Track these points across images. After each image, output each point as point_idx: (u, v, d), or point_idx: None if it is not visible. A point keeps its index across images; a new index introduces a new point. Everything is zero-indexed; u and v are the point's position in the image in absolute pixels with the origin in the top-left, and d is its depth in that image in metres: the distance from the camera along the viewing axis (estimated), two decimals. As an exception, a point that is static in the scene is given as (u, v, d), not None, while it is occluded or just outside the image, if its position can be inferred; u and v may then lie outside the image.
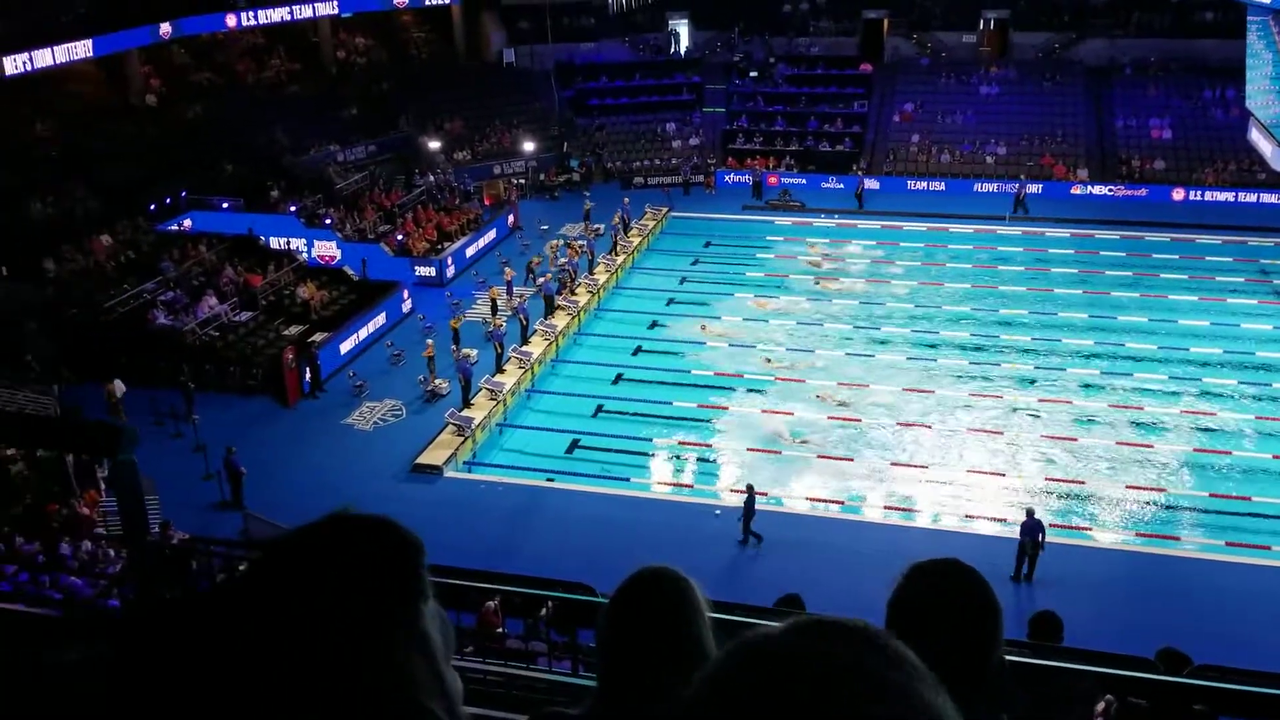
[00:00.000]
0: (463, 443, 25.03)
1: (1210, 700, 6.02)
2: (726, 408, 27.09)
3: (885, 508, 23.07)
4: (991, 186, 43.07)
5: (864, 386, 28.14)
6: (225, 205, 36.99)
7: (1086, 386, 27.99)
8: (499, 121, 47.39)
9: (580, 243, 36.79)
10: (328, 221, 36.88)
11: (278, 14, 43.65)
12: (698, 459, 25.09)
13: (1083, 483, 23.70)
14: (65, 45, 35.11)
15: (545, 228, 39.36)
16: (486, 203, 43.31)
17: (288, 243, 35.51)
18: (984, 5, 51.06)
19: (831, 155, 46.25)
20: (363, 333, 30.84)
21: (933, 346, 30.54)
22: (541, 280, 33.97)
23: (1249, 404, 27.00)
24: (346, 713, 1.09)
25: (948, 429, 25.98)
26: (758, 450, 25.11)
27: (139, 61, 41.26)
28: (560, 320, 31.48)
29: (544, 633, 12.78)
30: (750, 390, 28.05)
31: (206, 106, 41.90)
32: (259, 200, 37.45)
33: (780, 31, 52.35)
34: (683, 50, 53.75)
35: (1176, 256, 36.79)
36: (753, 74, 50.26)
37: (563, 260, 35.33)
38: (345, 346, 29.87)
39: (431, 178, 42.34)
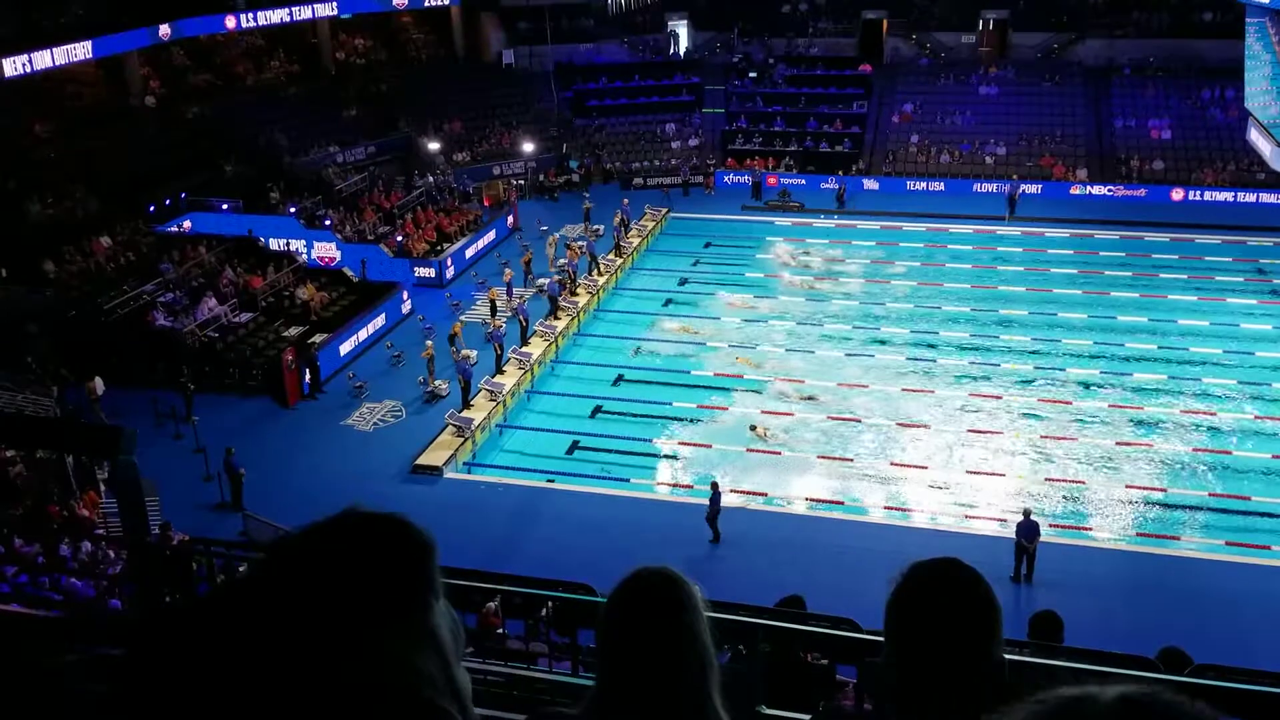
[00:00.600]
0: (463, 444, 25.04)
1: (1210, 699, 6.02)
2: (726, 408, 27.08)
3: (885, 508, 23.07)
4: (991, 187, 43.07)
5: (863, 386, 28.14)
6: (225, 207, 37.00)
7: (1086, 386, 28.00)
8: (498, 122, 47.40)
9: (580, 243, 36.79)
10: (327, 223, 36.88)
11: (277, 15, 43.66)
12: (698, 459, 25.05)
13: (1082, 482, 23.70)
14: (65, 47, 35.13)
15: (545, 229, 39.37)
16: (486, 204, 43.31)
17: (287, 244, 35.51)
18: (983, 6, 51.05)
19: (831, 156, 46.25)
20: (362, 334, 30.84)
21: (932, 347, 30.54)
22: (542, 281, 34.00)
23: (1248, 404, 27.00)
24: (360, 711, 1.09)
25: (947, 429, 25.98)
26: (757, 450, 25.11)
27: (138, 63, 41.27)
28: (559, 321, 31.47)
29: (544, 633, 12.79)
30: (749, 390, 28.03)
31: (206, 108, 41.93)
32: (259, 202, 37.45)
33: (780, 32, 52.35)
34: (682, 51, 53.74)
35: (1176, 256, 36.79)
36: (752, 75, 50.25)
37: (562, 261, 35.33)
38: (345, 348, 29.88)
39: (431, 179, 42.34)
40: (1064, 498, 23.23)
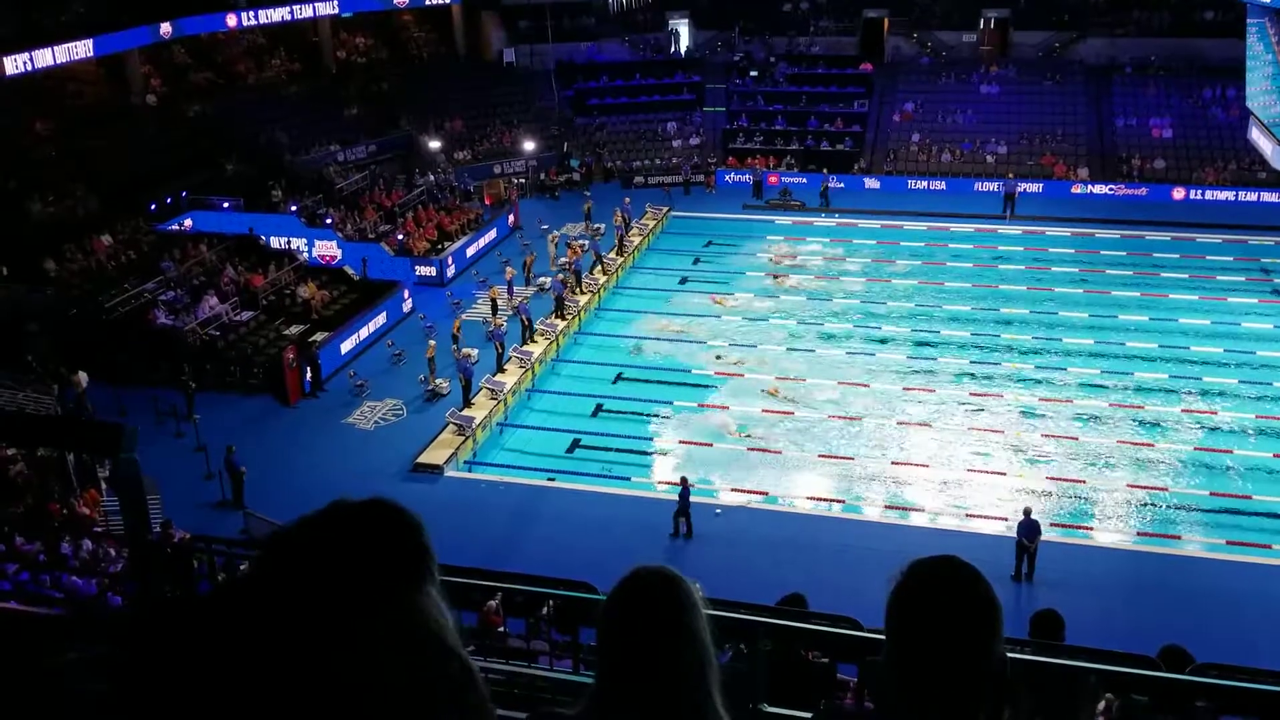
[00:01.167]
0: (463, 442, 25.05)
1: (1212, 698, 6.02)
2: (727, 407, 27.08)
3: (886, 506, 23.08)
4: (992, 186, 43.03)
5: (864, 386, 28.15)
6: (226, 205, 37.01)
7: (1087, 385, 27.99)
8: (499, 121, 47.41)
9: (581, 242, 36.80)
10: (328, 221, 36.89)
11: (278, 14, 43.66)
12: (698, 458, 25.04)
13: (1083, 482, 23.70)
14: (66, 45, 35.14)
15: (545, 227, 39.40)
16: (487, 202, 43.30)
17: (288, 242, 35.52)
18: (984, 4, 51.02)
19: (832, 155, 46.25)
20: (363, 332, 30.85)
21: (933, 345, 30.54)
22: (544, 280, 34.04)
23: (1250, 403, 27.00)
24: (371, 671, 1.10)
25: (948, 428, 25.98)
26: (758, 450, 25.12)
27: (139, 61, 41.28)
28: (560, 320, 31.48)
29: (545, 631, 12.79)
30: (749, 390, 28.02)
31: (207, 106, 41.96)
32: (260, 200, 37.46)
33: (781, 31, 52.33)
34: (683, 50, 53.74)
35: (1177, 255, 36.78)
36: (753, 73, 50.25)
37: (563, 260, 35.35)
38: (346, 346, 29.89)
39: (432, 177, 42.34)
40: (1065, 497, 23.23)
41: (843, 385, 28.22)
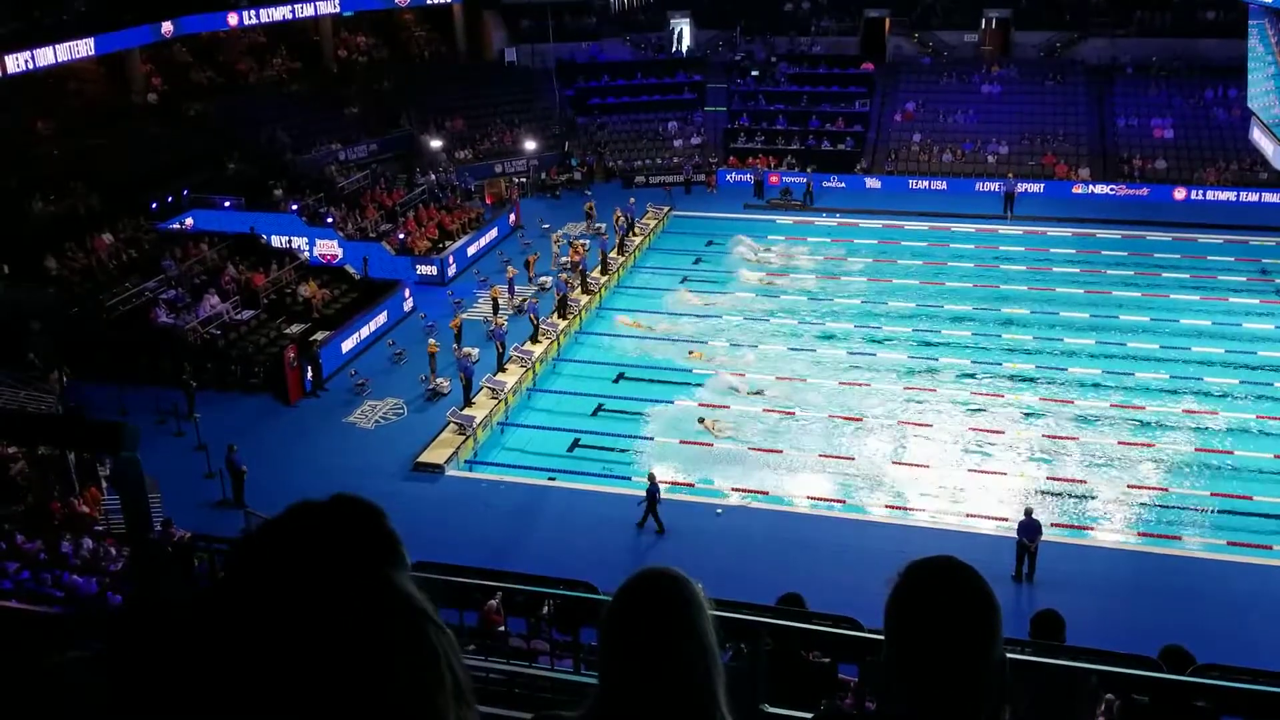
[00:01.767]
0: (464, 441, 25.05)
1: (1212, 699, 6.02)
2: (727, 407, 27.06)
3: (886, 506, 23.07)
4: (993, 186, 43.00)
5: (865, 385, 28.14)
6: (227, 204, 37.00)
7: (1088, 386, 27.98)
8: (500, 120, 47.41)
9: (582, 241, 36.82)
10: (329, 220, 36.88)
11: (279, 13, 43.68)
12: (699, 457, 25.03)
13: (1084, 482, 23.70)
14: (67, 44, 35.17)
15: (547, 226, 39.40)
16: (488, 201, 43.29)
17: (289, 241, 35.50)
18: (985, 4, 51.00)
19: (833, 154, 46.25)
20: (364, 331, 30.86)
21: (934, 346, 30.53)
22: (545, 279, 34.06)
23: (1250, 403, 26.99)
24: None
25: (949, 428, 25.97)
26: (759, 450, 25.12)
27: (140, 60, 41.31)
28: (561, 320, 31.49)
29: (546, 631, 12.80)
30: (748, 390, 28.01)
31: (208, 105, 41.95)
32: (261, 199, 37.44)
33: (782, 31, 52.33)
34: (684, 49, 53.72)
35: (1178, 256, 36.75)
36: (754, 73, 50.23)
37: (564, 259, 35.34)
38: (347, 345, 29.89)
39: (433, 176, 42.36)
40: (1066, 497, 23.22)
41: (843, 385, 28.21)
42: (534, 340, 30.10)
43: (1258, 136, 36.93)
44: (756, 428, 26.12)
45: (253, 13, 43.01)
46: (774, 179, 44.31)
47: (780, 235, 40.07)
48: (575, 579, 14.01)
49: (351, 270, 33.94)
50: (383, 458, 24.64)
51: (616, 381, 28.95)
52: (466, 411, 26.09)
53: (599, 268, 35.27)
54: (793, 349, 30.55)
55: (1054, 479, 23.80)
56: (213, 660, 1.14)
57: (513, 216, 41.08)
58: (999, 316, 32.41)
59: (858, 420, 26.38)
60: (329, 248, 35.92)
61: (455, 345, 28.83)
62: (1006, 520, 21.52)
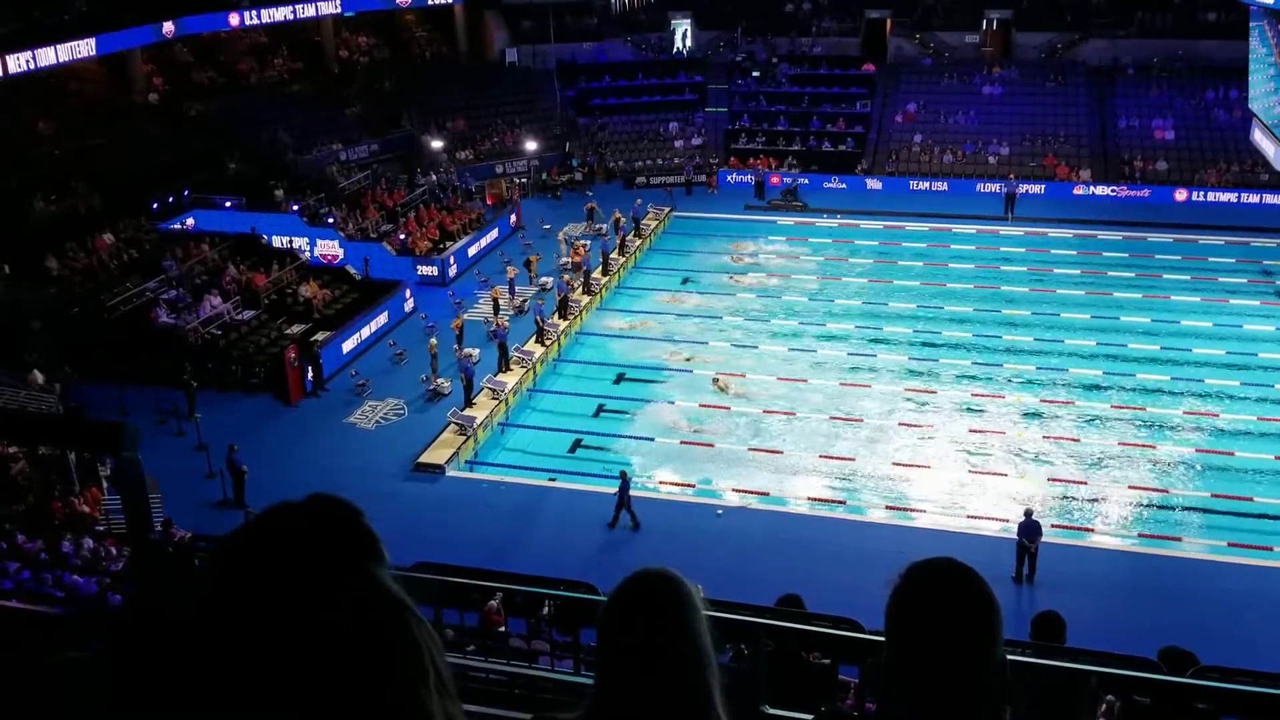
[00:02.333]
0: (465, 442, 25.05)
1: (1213, 701, 6.02)
2: (728, 408, 27.07)
3: (886, 507, 23.06)
4: (994, 187, 43.00)
5: (866, 387, 28.14)
6: (228, 204, 37.01)
7: (1089, 387, 27.97)
8: (501, 121, 47.41)
9: (583, 242, 36.83)
10: (330, 220, 36.90)
11: (280, 13, 43.71)
12: (699, 458, 25.03)
13: (1085, 483, 23.69)
14: (68, 44, 35.18)
15: (548, 227, 39.40)
16: (489, 202, 43.30)
17: (290, 241, 35.50)
18: (986, 5, 51.01)
19: (834, 155, 46.25)
20: (365, 332, 30.86)
21: (935, 347, 30.52)
22: (546, 279, 34.07)
23: (1251, 405, 26.97)
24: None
25: (949, 429, 25.96)
26: (760, 450, 25.12)
27: (142, 60, 41.32)
28: (562, 320, 31.50)
29: (546, 631, 12.80)
30: (750, 390, 28.02)
31: (209, 105, 41.96)
32: (262, 199, 37.46)
33: (783, 31, 52.34)
34: (685, 50, 53.73)
35: (1179, 257, 36.74)
36: (755, 74, 50.24)
37: (564, 260, 35.31)
38: (347, 345, 29.90)
39: (434, 177, 42.36)
40: (1066, 498, 23.21)
41: (844, 386, 28.21)
42: (539, 341, 30.10)
43: (1259, 138, 36.91)
44: (757, 429, 26.11)
45: (254, 13, 43.04)
46: (774, 180, 44.32)
47: (781, 236, 40.07)
48: (575, 579, 14.03)
49: (352, 271, 33.95)
50: (383, 458, 24.64)
51: (617, 382, 28.94)
52: (467, 412, 26.09)
53: (600, 268, 35.27)
54: (792, 349, 30.54)
55: (1054, 480, 23.80)
56: (201, 657, 1.15)
57: (513, 217, 41.08)
58: (1000, 318, 32.41)
59: (858, 421, 26.37)
60: (330, 248, 35.93)
61: (456, 346, 28.83)
62: (1007, 521, 21.52)
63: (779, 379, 28.63)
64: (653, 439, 25.78)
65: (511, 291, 33.13)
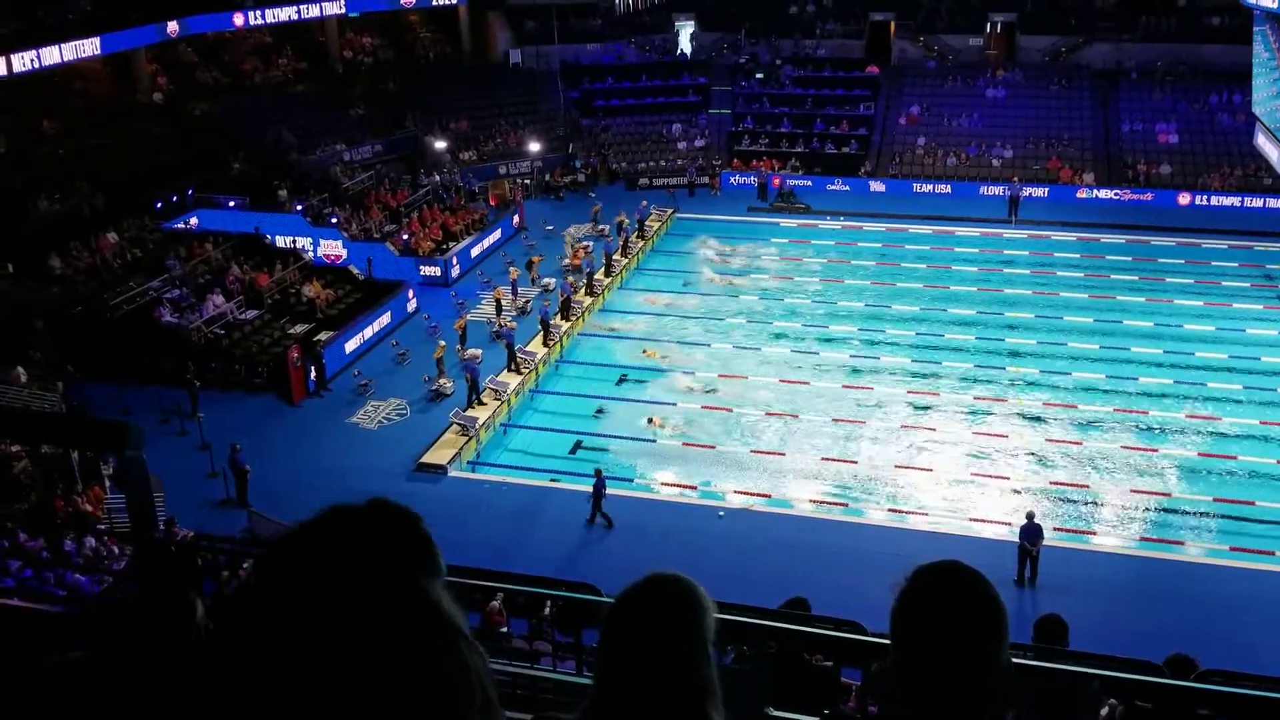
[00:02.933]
0: (467, 442, 25.07)
1: (1216, 705, 6.01)
2: (729, 410, 27.05)
3: (888, 510, 23.04)
4: (998, 190, 42.98)
5: (868, 389, 28.12)
6: (232, 204, 37.04)
7: (1091, 390, 27.94)
8: (505, 122, 47.43)
9: (585, 243, 36.81)
10: (334, 220, 36.92)
11: (285, 13, 43.75)
12: (699, 458, 25.02)
13: (1087, 486, 23.67)
14: (73, 43, 35.22)
15: (550, 228, 39.40)
16: (492, 203, 43.32)
17: (294, 241, 35.53)
18: (991, 8, 51.01)
19: (838, 157, 46.24)
20: (368, 332, 30.88)
21: (937, 349, 30.50)
22: (548, 280, 34.07)
23: (1254, 409, 26.93)
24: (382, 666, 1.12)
25: (951, 431, 25.94)
26: (762, 453, 25.11)
27: (146, 60, 41.36)
28: (565, 321, 31.50)
29: (548, 632, 12.80)
30: (749, 390, 28.00)
31: (213, 105, 42.00)
32: (265, 199, 37.49)
33: (786, 33, 52.33)
34: (689, 52, 53.73)
35: (1182, 261, 36.71)
36: (759, 75, 50.25)
37: (566, 261, 35.27)
38: (350, 345, 29.91)
39: (437, 177, 42.38)
40: (1068, 501, 23.19)
41: (847, 388, 28.20)
42: (544, 342, 30.10)
43: (1262, 142, 36.88)
44: (758, 431, 26.10)
45: (258, 13, 43.07)
46: (775, 181, 44.31)
47: (784, 238, 40.05)
48: (577, 580, 14.02)
49: (355, 271, 33.97)
50: (385, 458, 24.65)
51: (619, 383, 28.93)
52: (469, 412, 26.10)
53: (603, 269, 35.28)
54: (795, 351, 30.52)
55: (1057, 483, 23.78)
56: (237, 664, 1.13)
57: (516, 218, 41.10)
58: (1002, 320, 32.38)
59: (860, 423, 26.35)
60: (333, 248, 35.95)
61: (459, 346, 28.84)
62: (1009, 524, 21.50)
63: (781, 381, 28.61)
64: (654, 440, 25.77)
65: (514, 292, 33.15)
